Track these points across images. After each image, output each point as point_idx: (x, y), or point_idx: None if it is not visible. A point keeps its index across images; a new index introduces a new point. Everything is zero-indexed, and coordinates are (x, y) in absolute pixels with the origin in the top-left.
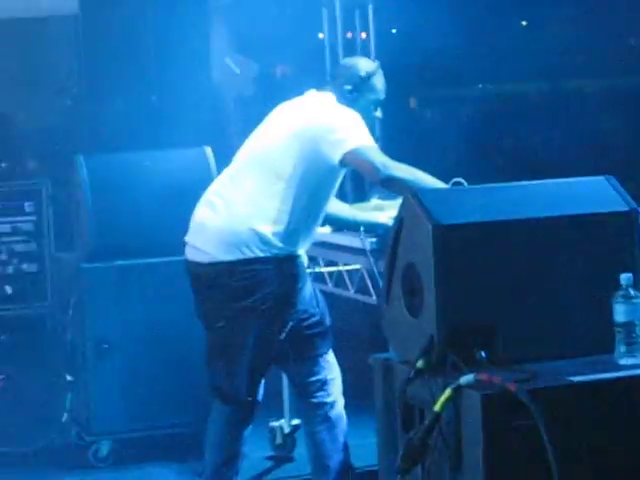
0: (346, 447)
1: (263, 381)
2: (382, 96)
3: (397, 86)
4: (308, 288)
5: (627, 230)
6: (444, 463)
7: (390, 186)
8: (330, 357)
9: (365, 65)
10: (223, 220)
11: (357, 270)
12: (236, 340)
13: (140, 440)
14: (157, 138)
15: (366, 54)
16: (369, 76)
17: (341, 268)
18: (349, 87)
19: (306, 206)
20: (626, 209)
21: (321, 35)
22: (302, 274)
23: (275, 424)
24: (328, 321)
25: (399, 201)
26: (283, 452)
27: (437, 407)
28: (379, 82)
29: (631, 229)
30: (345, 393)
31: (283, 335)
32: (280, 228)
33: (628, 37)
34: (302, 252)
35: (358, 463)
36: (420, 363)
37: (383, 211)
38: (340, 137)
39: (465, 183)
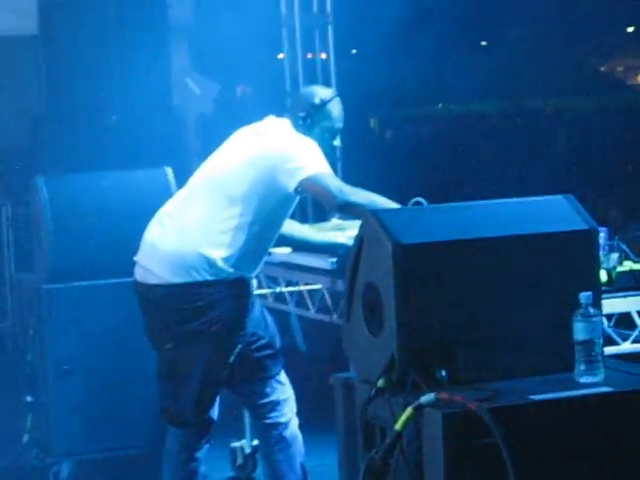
0: (303, 467)
1: (217, 402)
2: (338, 124)
3: (357, 107)
4: (257, 311)
5: (587, 249)
6: None
7: (347, 211)
8: (282, 378)
9: (320, 92)
10: (173, 242)
11: (318, 290)
12: (184, 362)
13: (100, 461)
14: (118, 158)
15: (326, 75)
16: (323, 104)
17: (302, 288)
18: (302, 114)
19: (258, 233)
20: (585, 228)
21: (281, 55)
22: (251, 297)
23: (236, 445)
24: (278, 342)
25: (359, 221)
26: (244, 473)
27: (398, 426)
28: (335, 110)
29: (590, 248)
30: (306, 413)
31: (232, 358)
32: (230, 253)
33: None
34: (252, 275)
35: None
36: (381, 382)
37: (343, 231)
38: (296, 165)
39: (425, 202)
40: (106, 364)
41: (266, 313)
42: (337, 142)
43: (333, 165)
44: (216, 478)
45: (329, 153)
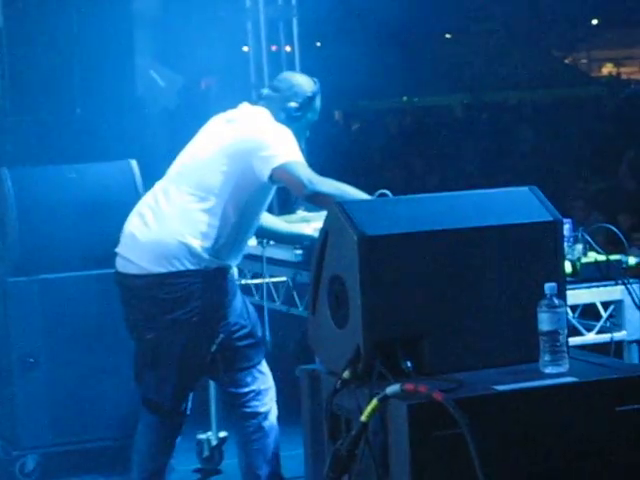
0: (277, 458)
1: (192, 393)
2: (317, 117)
3: (322, 99)
4: (238, 300)
5: (551, 240)
6: (371, 473)
7: (316, 201)
8: (263, 367)
9: (311, 84)
10: (154, 233)
11: (283, 282)
12: (166, 352)
13: (66, 454)
14: (82, 151)
15: (291, 67)
16: (315, 95)
17: (267, 280)
18: (295, 105)
19: (237, 221)
20: (550, 219)
21: (245, 48)
22: (232, 286)
23: (202, 436)
24: (259, 332)
25: (325, 213)
26: (210, 465)
27: (363, 417)
28: (318, 102)
29: (555, 239)
30: None
31: (214, 347)
32: (210, 243)
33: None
34: (233, 264)
35: (287, 474)
36: (346, 374)
37: (309, 223)
38: (270, 153)
39: (390, 194)
40: (72, 357)
41: (248, 302)
42: (308, 134)
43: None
44: (182, 470)
45: (302, 146)
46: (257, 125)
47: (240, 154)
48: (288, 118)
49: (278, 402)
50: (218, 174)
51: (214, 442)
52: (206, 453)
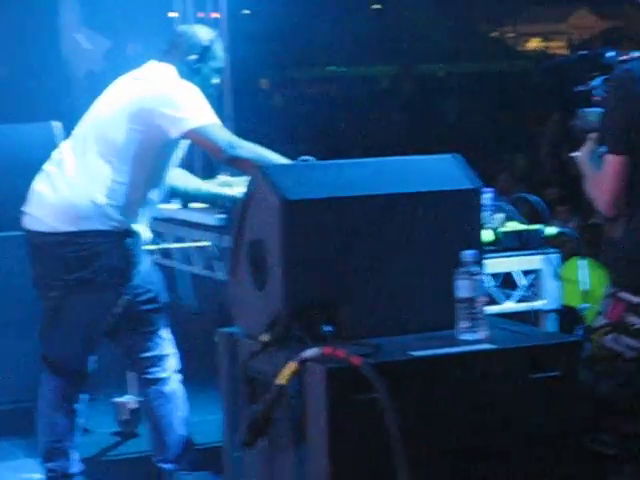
0: (183, 423)
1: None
2: (222, 64)
3: (249, 67)
4: (145, 263)
5: (470, 208)
6: (288, 437)
7: (236, 165)
8: (165, 333)
9: (206, 34)
10: (61, 191)
11: (206, 246)
12: (69, 311)
13: None
14: (4, 111)
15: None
16: (211, 44)
17: (189, 245)
18: (194, 57)
19: (145, 178)
20: (470, 187)
21: (172, 14)
22: (139, 249)
23: (120, 400)
24: (164, 298)
25: (247, 178)
26: (128, 428)
27: (281, 380)
28: (219, 50)
29: (474, 207)
30: (191, 369)
31: (117, 309)
32: (118, 201)
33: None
34: (142, 227)
35: (204, 439)
36: (265, 337)
37: (231, 187)
38: (181, 114)
39: (313, 161)
40: None
41: (155, 268)
42: (217, 80)
43: (217, 101)
44: (100, 433)
45: (213, 93)
46: (163, 82)
47: (146, 111)
48: (190, 71)
49: (198, 367)
50: (124, 131)
51: (133, 406)
52: (124, 416)
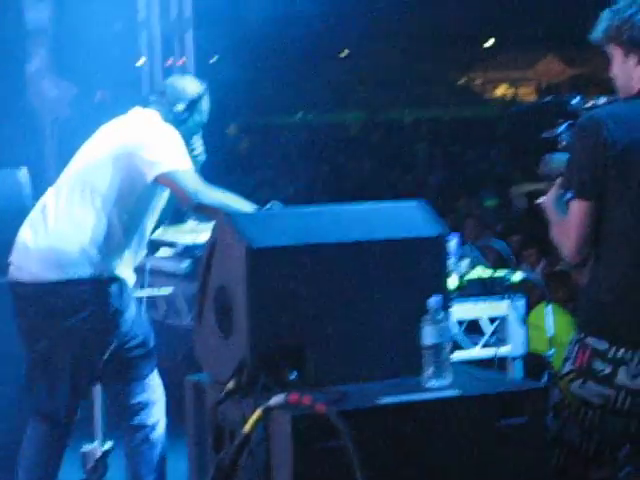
0: (163, 468)
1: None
2: (206, 119)
3: (217, 113)
4: (132, 309)
5: (435, 255)
6: None
7: (202, 212)
8: (153, 379)
9: (196, 86)
10: (47, 240)
11: (171, 294)
12: (58, 360)
13: None
14: None
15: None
16: (200, 97)
17: (156, 292)
18: (181, 107)
19: (128, 225)
20: (435, 234)
21: (141, 60)
22: (126, 295)
23: (87, 448)
24: (152, 343)
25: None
26: (95, 476)
27: (247, 428)
28: (206, 104)
29: (439, 253)
30: None
31: (106, 356)
32: (103, 247)
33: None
34: (127, 273)
35: None
36: (231, 384)
37: (199, 234)
38: (156, 158)
39: (282, 206)
40: None
41: (142, 312)
42: (200, 134)
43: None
44: None
45: (192, 146)
46: (145, 126)
47: (126, 154)
48: (175, 120)
49: (168, 413)
50: (107, 176)
51: (98, 454)
52: (90, 464)
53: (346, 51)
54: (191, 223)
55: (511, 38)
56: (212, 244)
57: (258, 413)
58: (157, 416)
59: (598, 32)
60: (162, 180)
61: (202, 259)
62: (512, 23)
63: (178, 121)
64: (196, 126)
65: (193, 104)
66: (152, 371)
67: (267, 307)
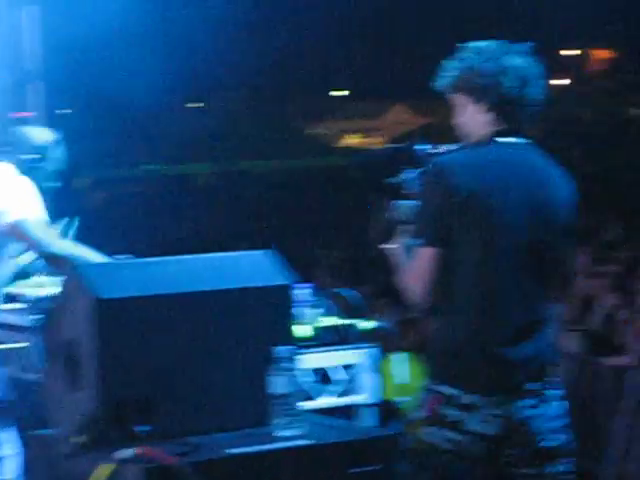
0: None
1: None
2: (62, 166)
3: (66, 165)
4: None
5: (282, 304)
6: None
7: (51, 262)
8: (8, 434)
9: (43, 135)
10: None
11: (23, 348)
12: None
13: None
14: None
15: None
16: (46, 147)
17: (6, 347)
18: (28, 157)
19: None
20: (281, 283)
21: None
22: None
23: None
24: (7, 396)
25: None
26: None
27: None
28: (59, 152)
29: (285, 302)
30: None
31: None
32: None
33: (295, 119)
34: None
35: None
36: (80, 438)
37: (44, 288)
38: (5, 208)
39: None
40: None
41: None
42: (56, 183)
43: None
44: None
45: (48, 193)
46: None
47: None
48: (25, 170)
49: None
50: None
51: None
52: None
53: (197, 102)
54: (36, 278)
55: (361, 87)
56: (61, 296)
57: (106, 468)
58: (10, 473)
59: (444, 81)
60: (12, 229)
61: (49, 312)
62: (363, 73)
63: (28, 170)
64: (49, 174)
65: (42, 151)
66: (5, 425)
67: (116, 359)
